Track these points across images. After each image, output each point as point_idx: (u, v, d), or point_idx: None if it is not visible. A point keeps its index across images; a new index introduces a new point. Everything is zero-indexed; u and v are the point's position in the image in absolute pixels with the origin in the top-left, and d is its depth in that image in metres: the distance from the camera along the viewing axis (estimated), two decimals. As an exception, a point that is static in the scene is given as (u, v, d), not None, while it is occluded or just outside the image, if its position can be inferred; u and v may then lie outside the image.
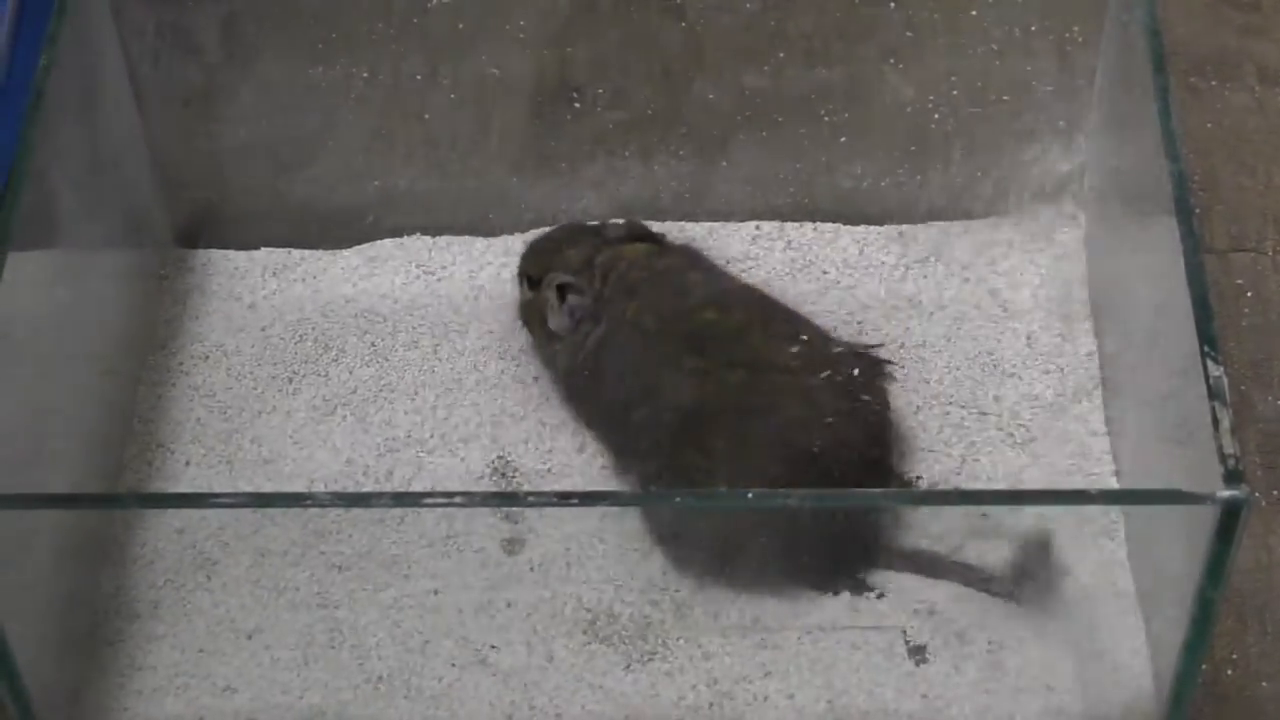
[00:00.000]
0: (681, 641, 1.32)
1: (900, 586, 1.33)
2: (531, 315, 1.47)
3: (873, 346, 1.42)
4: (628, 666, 1.31)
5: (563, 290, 1.43)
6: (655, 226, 1.54)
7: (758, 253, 1.53)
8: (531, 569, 1.33)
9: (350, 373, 1.48)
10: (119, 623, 1.33)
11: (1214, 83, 1.63)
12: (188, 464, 1.42)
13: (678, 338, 1.39)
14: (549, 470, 1.42)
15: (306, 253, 1.55)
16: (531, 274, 1.47)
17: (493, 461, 1.42)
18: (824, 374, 1.36)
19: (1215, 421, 1.14)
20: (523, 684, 1.30)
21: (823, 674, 1.31)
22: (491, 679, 1.30)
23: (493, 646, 1.31)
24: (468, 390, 1.47)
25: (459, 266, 1.55)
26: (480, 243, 1.55)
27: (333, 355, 1.49)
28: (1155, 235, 1.27)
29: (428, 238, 1.56)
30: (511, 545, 1.34)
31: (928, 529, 1.33)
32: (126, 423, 1.44)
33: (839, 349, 1.40)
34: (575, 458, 1.43)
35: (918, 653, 1.31)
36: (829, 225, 1.55)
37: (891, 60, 1.56)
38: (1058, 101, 1.53)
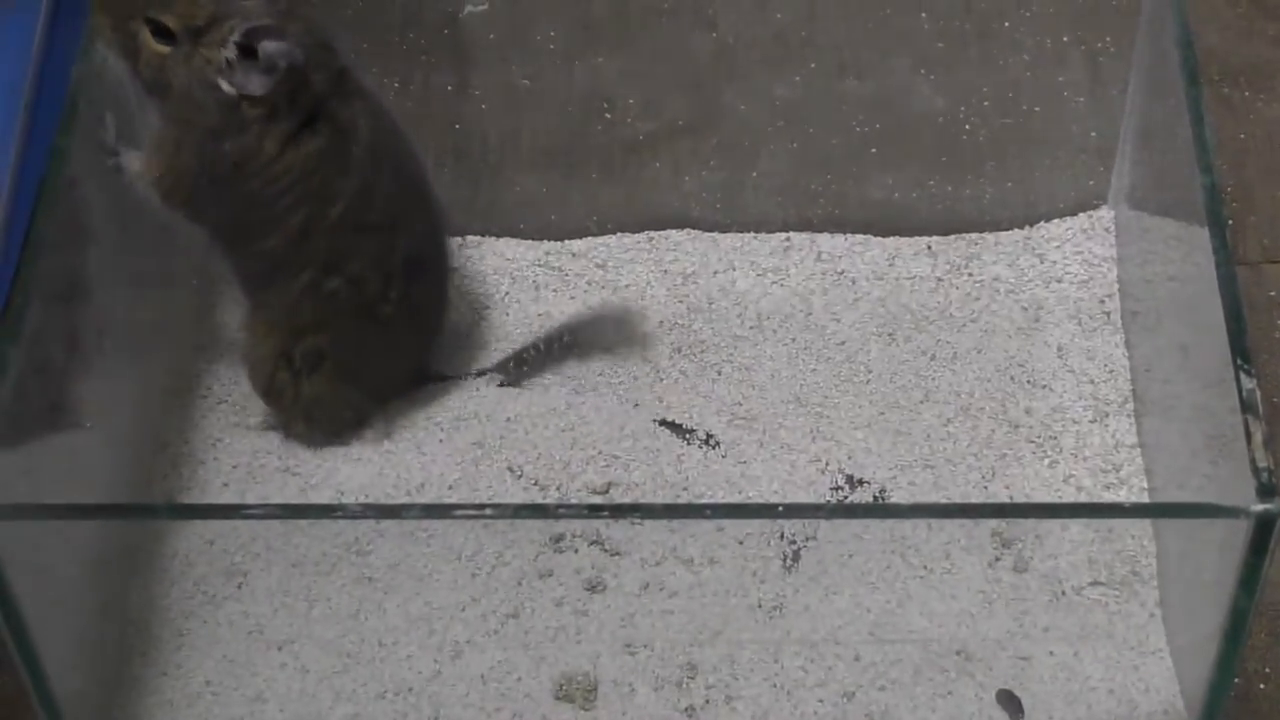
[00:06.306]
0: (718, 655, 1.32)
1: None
2: (168, 74, 1.22)
3: None
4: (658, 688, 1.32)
5: (248, 43, 1.21)
6: (685, 237, 1.55)
7: (788, 264, 1.53)
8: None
9: (380, 383, 1.48)
10: (150, 633, 1.33)
11: (1247, 93, 1.63)
12: (218, 475, 1.42)
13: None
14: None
15: (337, 263, 1.55)
16: (166, 21, 1.21)
17: (522, 471, 1.42)
18: None
19: (1248, 434, 1.13)
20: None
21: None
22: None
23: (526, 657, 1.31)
24: (496, 400, 1.47)
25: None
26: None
27: (363, 365, 1.49)
28: (1187, 247, 1.26)
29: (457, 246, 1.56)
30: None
31: (958, 542, 1.33)
32: (157, 433, 1.44)
33: None
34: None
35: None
36: (859, 236, 1.55)
37: (923, 71, 1.56)
38: (1089, 112, 1.53)
